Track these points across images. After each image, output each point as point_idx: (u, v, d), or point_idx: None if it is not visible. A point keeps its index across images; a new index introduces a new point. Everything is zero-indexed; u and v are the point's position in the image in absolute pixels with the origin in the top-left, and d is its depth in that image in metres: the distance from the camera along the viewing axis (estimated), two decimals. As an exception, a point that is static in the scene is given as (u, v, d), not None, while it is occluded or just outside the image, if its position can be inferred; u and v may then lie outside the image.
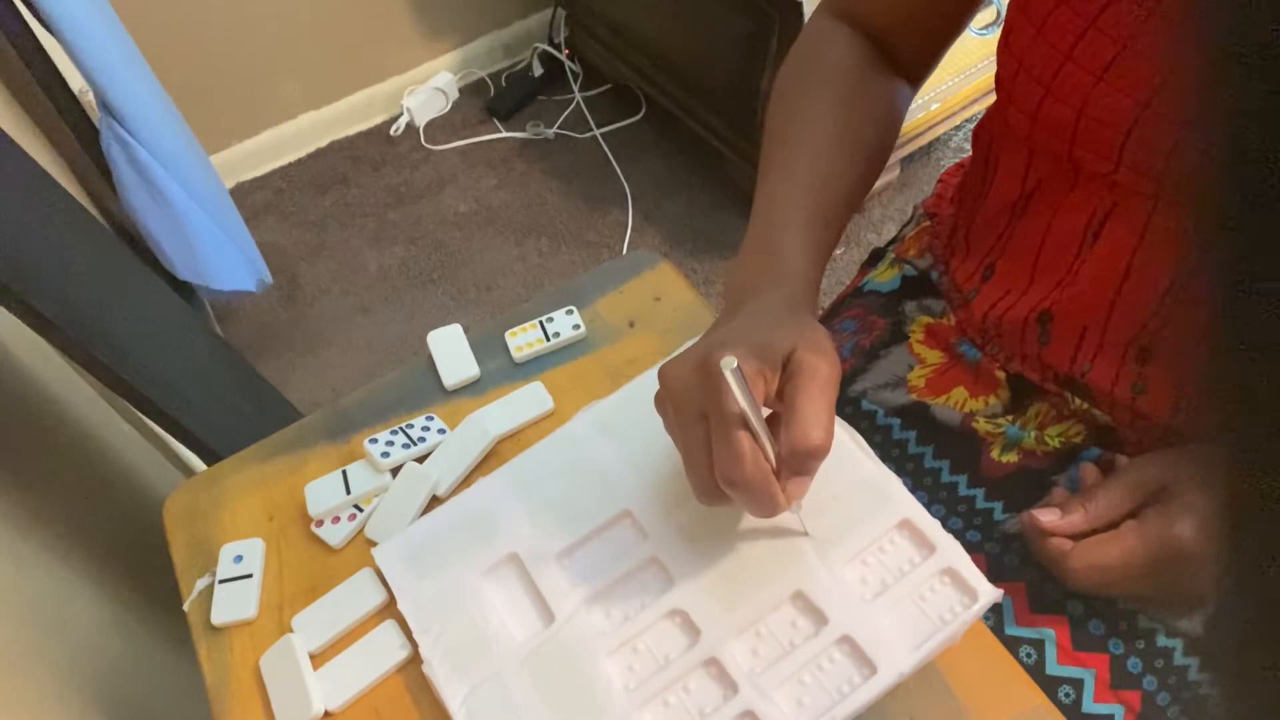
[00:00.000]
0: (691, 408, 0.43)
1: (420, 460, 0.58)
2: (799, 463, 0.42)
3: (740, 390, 0.40)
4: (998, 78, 0.56)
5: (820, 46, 0.62)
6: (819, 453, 0.42)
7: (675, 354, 0.47)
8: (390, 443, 0.59)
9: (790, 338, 0.44)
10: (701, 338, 0.48)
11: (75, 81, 1.22)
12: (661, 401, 0.46)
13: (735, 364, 0.40)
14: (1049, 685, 0.53)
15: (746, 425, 0.42)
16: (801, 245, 0.52)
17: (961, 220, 0.67)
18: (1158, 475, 0.50)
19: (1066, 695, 0.53)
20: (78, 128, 1.23)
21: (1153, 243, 0.52)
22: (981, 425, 0.62)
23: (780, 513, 0.44)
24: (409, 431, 0.60)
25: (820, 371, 0.43)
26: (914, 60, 0.63)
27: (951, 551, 0.47)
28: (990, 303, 0.62)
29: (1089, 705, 0.52)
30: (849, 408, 0.66)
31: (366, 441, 0.59)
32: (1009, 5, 0.54)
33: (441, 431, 0.60)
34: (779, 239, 0.52)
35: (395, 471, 0.58)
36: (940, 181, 0.75)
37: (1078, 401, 0.59)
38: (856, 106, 0.59)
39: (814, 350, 0.43)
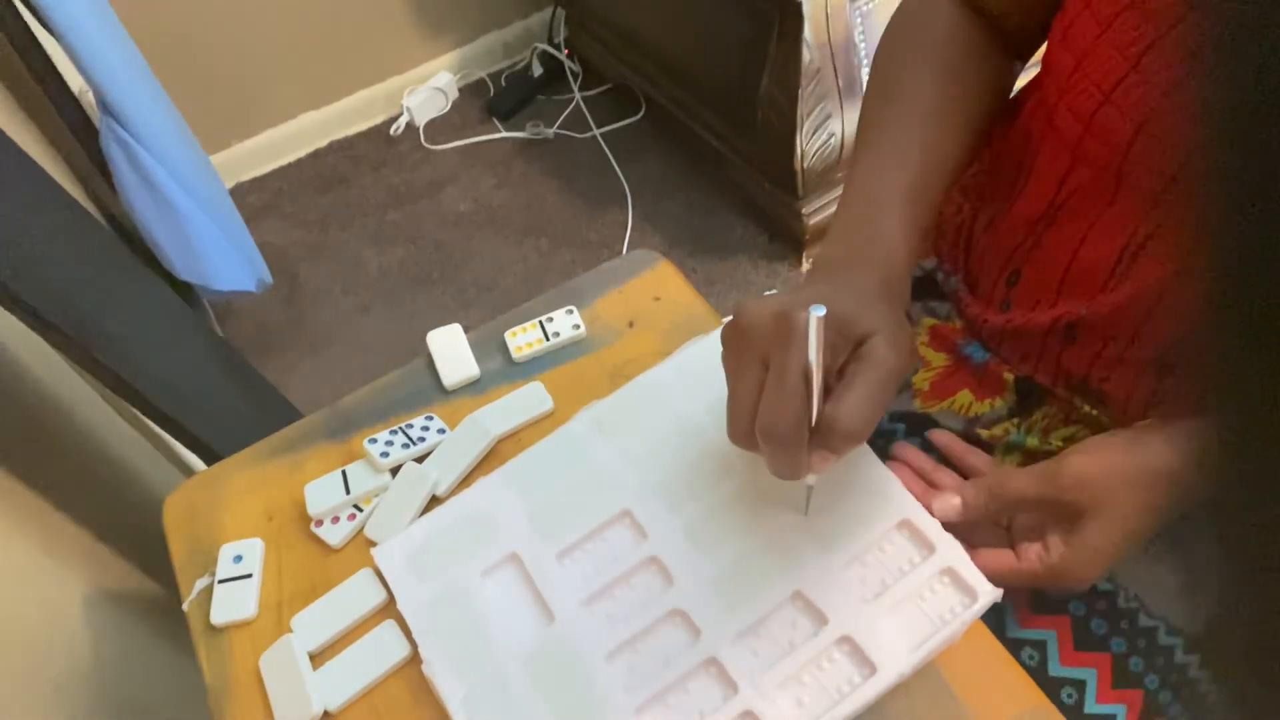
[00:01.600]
0: (757, 349, 0.43)
1: (420, 460, 0.58)
2: (830, 440, 0.42)
3: (815, 342, 0.40)
4: (1048, 70, 0.52)
5: (921, 17, 0.59)
6: (853, 439, 0.42)
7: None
8: (390, 443, 0.59)
9: (874, 322, 0.43)
10: (785, 293, 0.46)
11: (75, 81, 1.22)
12: (728, 336, 0.45)
13: (823, 313, 0.39)
14: (1052, 686, 0.53)
15: (806, 381, 0.41)
16: (900, 226, 0.50)
17: (980, 219, 0.64)
18: (1074, 499, 0.47)
19: (1069, 696, 0.53)
20: (78, 128, 1.23)
21: (1186, 280, 0.50)
22: (985, 434, 0.62)
23: (797, 479, 0.44)
24: (409, 431, 0.60)
25: (887, 365, 0.42)
26: (1019, 31, 0.59)
27: (951, 551, 0.47)
28: (1010, 315, 0.60)
29: (1091, 705, 0.52)
30: None
31: (366, 441, 0.59)
32: None
33: (441, 431, 0.60)
34: (878, 218, 0.50)
35: (395, 471, 0.58)
36: (989, 179, 0.73)
37: (1086, 407, 0.59)
38: (961, 79, 0.56)
39: (890, 343, 0.42)
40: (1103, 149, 0.49)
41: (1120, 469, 0.46)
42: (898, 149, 0.53)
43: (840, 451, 0.43)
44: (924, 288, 0.69)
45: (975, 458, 0.56)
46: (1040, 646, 0.54)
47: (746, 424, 0.43)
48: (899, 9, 0.61)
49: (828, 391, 0.43)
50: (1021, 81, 0.64)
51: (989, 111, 0.58)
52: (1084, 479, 0.46)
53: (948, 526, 0.48)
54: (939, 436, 0.59)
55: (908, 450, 0.56)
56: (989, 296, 0.63)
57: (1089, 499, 0.46)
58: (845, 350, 0.43)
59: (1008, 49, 0.59)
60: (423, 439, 0.59)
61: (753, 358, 0.43)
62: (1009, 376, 0.62)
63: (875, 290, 0.46)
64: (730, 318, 0.45)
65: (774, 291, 0.50)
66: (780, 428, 0.41)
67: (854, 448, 0.43)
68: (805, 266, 1.62)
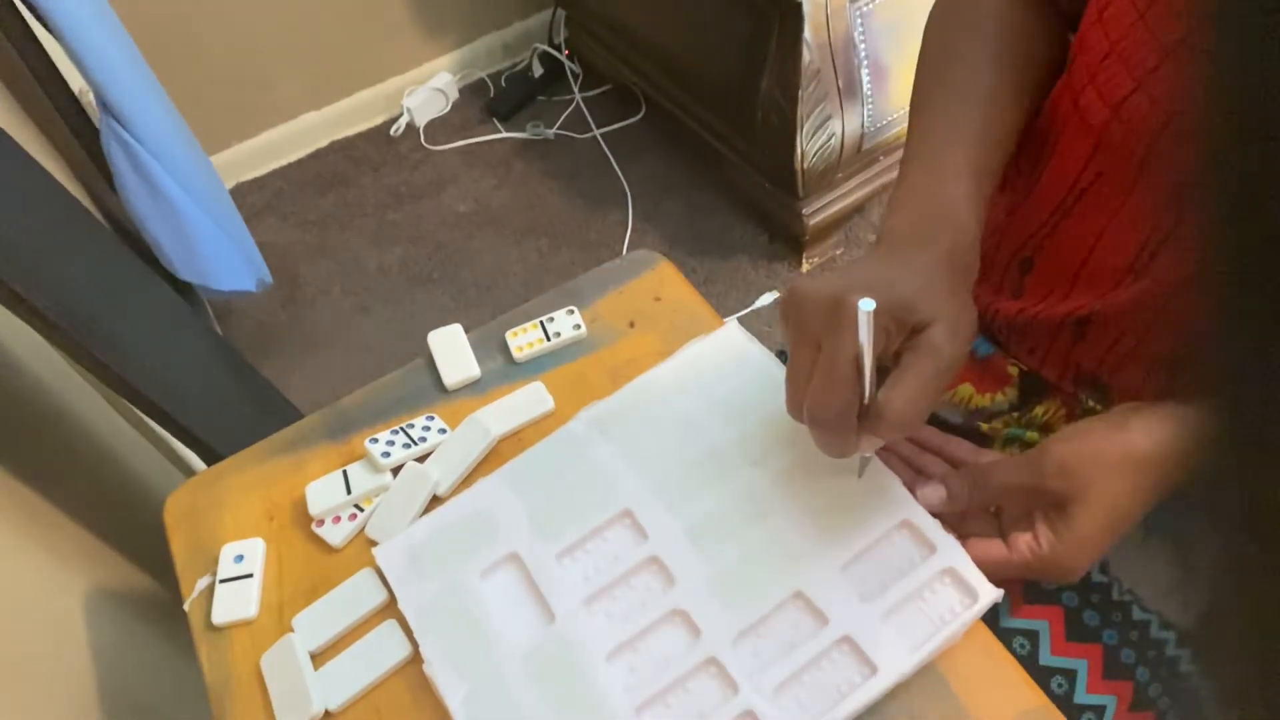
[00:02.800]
0: (810, 332, 0.43)
1: (421, 460, 0.58)
2: (878, 427, 0.42)
3: (866, 335, 0.40)
4: (1080, 51, 0.51)
5: None
6: (902, 428, 0.42)
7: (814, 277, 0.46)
8: (391, 442, 0.59)
9: (935, 308, 0.43)
10: (845, 269, 0.46)
11: (75, 81, 1.22)
12: (786, 311, 0.45)
13: (873, 308, 0.39)
14: (1042, 675, 0.53)
15: (857, 369, 0.41)
16: (967, 199, 0.48)
17: (1000, 202, 0.62)
18: (1058, 486, 0.46)
19: (1059, 685, 0.53)
20: (78, 128, 1.23)
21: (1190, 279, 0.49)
22: (985, 426, 0.62)
23: (845, 457, 0.45)
24: (409, 431, 0.60)
25: (942, 356, 0.42)
26: (1071, 1, 0.57)
27: (952, 551, 0.47)
28: (1022, 305, 0.60)
29: (1081, 696, 0.52)
30: None
31: (367, 441, 0.59)
32: None
33: (442, 431, 0.60)
34: (943, 189, 0.49)
35: (396, 471, 0.58)
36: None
37: (1090, 402, 0.59)
38: (1017, 47, 0.54)
39: (950, 333, 0.42)
40: (1129, 137, 0.48)
41: (1104, 454, 0.45)
42: (958, 126, 0.52)
43: (888, 438, 0.44)
44: None
45: (956, 446, 0.54)
46: (1032, 636, 0.54)
47: (798, 402, 0.44)
48: None
49: (882, 376, 0.43)
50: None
51: (1042, 83, 0.56)
52: (1067, 466, 0.45)
53: (937, 515, 0.48)
54: (919, 433, 0.58)
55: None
56: (1000, 283, 0.62)
57: (1074, 486, 0.45)
58: (901, 336, 0.43)
59: (1062, 18, 0.58)
60: (423, 439, 0.59)
61: (806, 339, 0.43)
62: (1014, 370, 0.62)
63: (942, 271, 0.45)
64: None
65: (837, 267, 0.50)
66: (827, 414, 0.42)
67: (903, 435, 0.44)
68: (805, 267, 1.62)
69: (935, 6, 0.59)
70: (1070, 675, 0.53)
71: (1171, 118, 0.45)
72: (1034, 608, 0.55)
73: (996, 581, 0.47)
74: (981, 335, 0.63)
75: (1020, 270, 0.60)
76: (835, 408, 0.42)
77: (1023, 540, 0.47)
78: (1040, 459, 0.46)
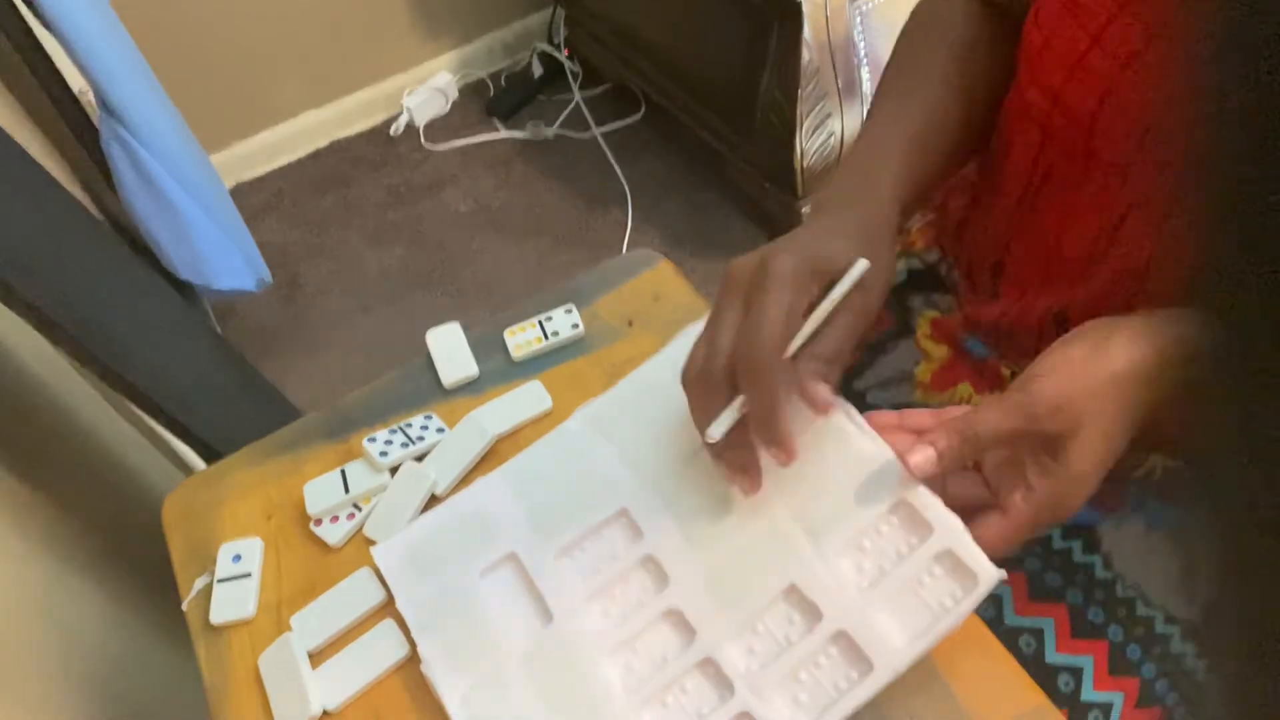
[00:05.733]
0: (739, 292, 0.46)
1: (419, 459, 0.58)
2: (803, 364, 0.46)
3: (843, 288, 0.45)
4: (1022, 52, 0.54)
5: (939, 4, 0.61)
6: (823, 364, 0.46)
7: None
8: (389, 442, 0.59)
9: (847, 256, 0.46)
10: (773, 242, 0.50)
11: (75, 81, 1.22)
12: (721, 286, 0.48)
13: (794, 264, 0.44)
14: (1048, 673, 0.53)
15: (786, 323, 0.45)
16: (890, 170, 0.52)
17: (974, 211, 0.65)
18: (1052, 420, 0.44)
19: (1066, 684, 0.53)
20: (78, 128, 1.23)
21: (1169, 246, 0.49)
22: None
23: (779, 422, 0.45)
24: (408, 430, 0.60)
25: (854, 304, 0.46)
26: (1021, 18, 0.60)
27: (950, 532, 0.45)
28: (1002, 308, 0.61)
29: (1088, 693, 0.52)
30: (853, 403, 0.66)
31: (365, 440, 0.59)
32: None
33: (440, 430, 0.60)
34: (869, 164, 0.53)
35: (394, 471, 0.58)
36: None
37: None
38: (969, 55, 0.58)
39: (860, 283, 0.46)
40: (1069, 125, 0.51)
41: (1092, 383, 0.43)
42: (899, 107, 0.56)
43: (807, 375, 0.46)
44: (927, 280, 0.69)
45: (917, 416, 0.51)
46: (1037, 634, 0.54)
47: (708, 359, 0.46)
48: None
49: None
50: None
51: (992, 100, 0.59)
52: (1058, 403, 0.43)
53: (927, 482, 0.46)
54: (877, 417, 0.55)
55: (874, 414, 0.53)
56: (978, 287, 0.63)
57: (1068, 422, 0.43)
58: (815, 288, 0.46)
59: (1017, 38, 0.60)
60: (422, 438, 0.59)
61: (733, 299, 0.46)
62: (1007, 373, 0.62)
63: (855, 224, 0.49)
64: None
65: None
66: (756, 354, 0.44)
67: (823, 374, 0.46)
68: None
69: (907, 21, 0.62)
70: (1076, 673, 0.53)
71: (1104, 99, 0.48)
72: (1039, 605, 0.55)
73: (1004, 560, 0.44)
74: (976, 337, 0.64)
75: (992, 274, 0.61)
76: (764, 347, 0.44)
77: (1015, 497, 0.45)
78: (1030, 401, 0.44)
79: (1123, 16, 0.46)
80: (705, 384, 0.47)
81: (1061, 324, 0.56)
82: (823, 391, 0.46)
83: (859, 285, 0.46)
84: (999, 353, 0.63)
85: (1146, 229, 0.51)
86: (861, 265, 0.46)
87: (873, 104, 0.59)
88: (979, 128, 0.59)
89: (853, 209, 0.51)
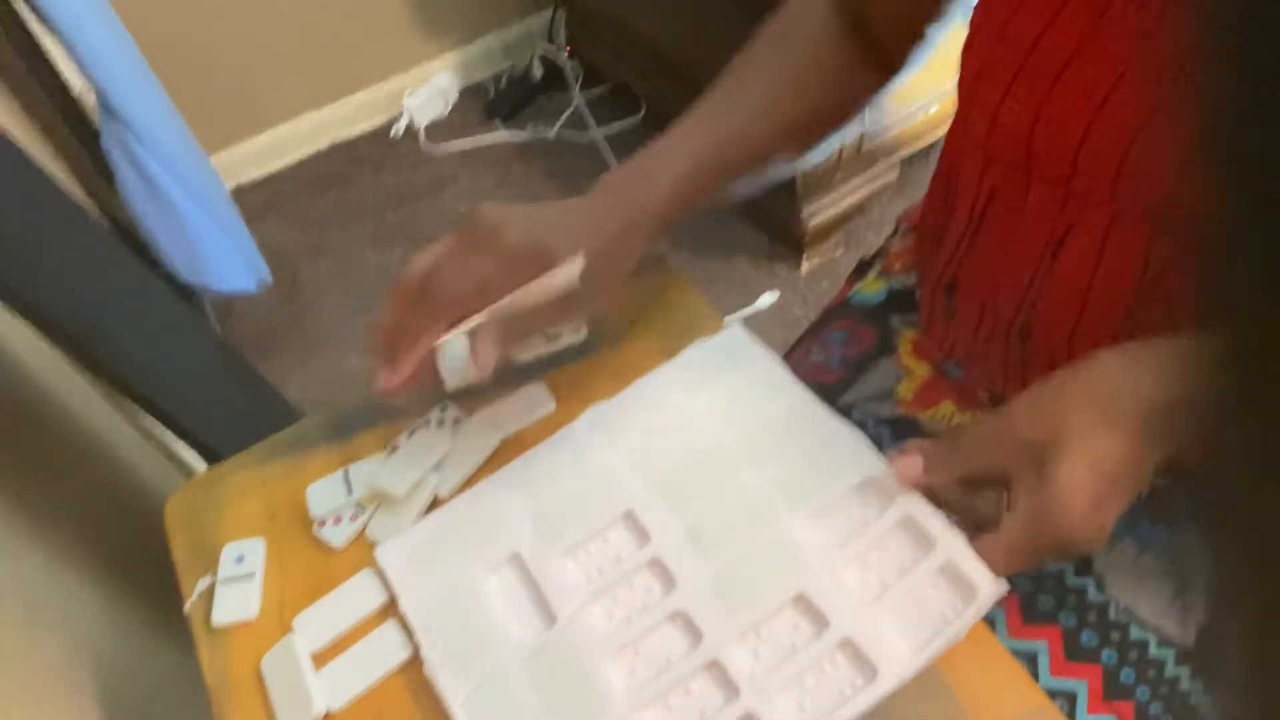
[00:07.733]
0: (470, 238, 0.50)
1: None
2: (494, 331, 0.51)
3: (502, 259, 0.49)
4: (960, 81, 0.55)
5: (795, 12, 0.62)
6: (506, 333, 0.51)
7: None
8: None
9: (567, 250, 0.49)
10: (528, 208, 0.53)
11: (75, 81, 1.22)
12: (469, 222, 0.51)
13: (516, 241, 0.49)
14: None
15: (479, 290, 0.49)
16: (677, 168, 0.54)
17: (936, 232, 0.66)
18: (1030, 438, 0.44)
19: (1060, 708, 0.53)
20: (78, 128, 1.23)
21: (1112, 260, 0.51)
22: None
23: (402, 348, 0.51)
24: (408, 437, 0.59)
25: (554, 293, 0.49)
26: (887, 42, 0.60)
27: (952, 546, 0.46)
28: (961, 324, 0.62)
29: (1083, 717, 0.52)
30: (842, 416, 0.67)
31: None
32: (974, 8, 0.53)
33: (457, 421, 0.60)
34: (660, 158, 0.54)
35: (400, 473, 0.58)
36: (928, 194, 0.74)
37: None
38: (798, 74, 0.59)
39: (585, 275, 0.49)
40: (1009, 145, 0.52)
41: (1069, 391, 0.43)
42: (717, 110, 0.57)
43: (483, 337, 0.50)
44: (905, 302, 0.70)
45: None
46: (1030, 658, 0.53)
47: (408, 271, 0.50)
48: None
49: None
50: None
51: (814, 110, 0.60)
52: (1034, 407, 0.43)
53: (924, 496, 0.47)
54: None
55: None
56: (936, 305, 0.64)
57: (1046, 430, 0.42)
58: (533, 269, 0.49)
59: (875, 59, 0.61)
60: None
61: (464, 243, 0.50)
62: (984, 394, 0.63)
63: (601, 223, 0.52)
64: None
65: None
66: (442, 294, 0.49)
67: (500, 339, 0.51)
68: (805, 267, 1.62)
69: (779, 13, 0.63)
70: (1070, 697, 0.52)
71: (1039, 115, 0.49)
72: (1032, 628, 0.55)
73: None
74: (951, 361, 0.66)
75: (946, 294, 0.63)
76: (446, 295, 0.49)
77: (1006, 514, 0.44)
78: (1009, 409, 0.45)
79: (1050, 31, 0.48)
80: (400, 285, 0.51)
81: (1024, 340, 0.57)
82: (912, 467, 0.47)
83: (579, 277, 0.49)
84: (970, 375, 0.64)
85: (1088, 246, 0.51)
86: (572, 268, 0.49)
87: (703, 95, 0.60)
88: (790, 148, 0.60)
89: (621, 196, 0.53)
